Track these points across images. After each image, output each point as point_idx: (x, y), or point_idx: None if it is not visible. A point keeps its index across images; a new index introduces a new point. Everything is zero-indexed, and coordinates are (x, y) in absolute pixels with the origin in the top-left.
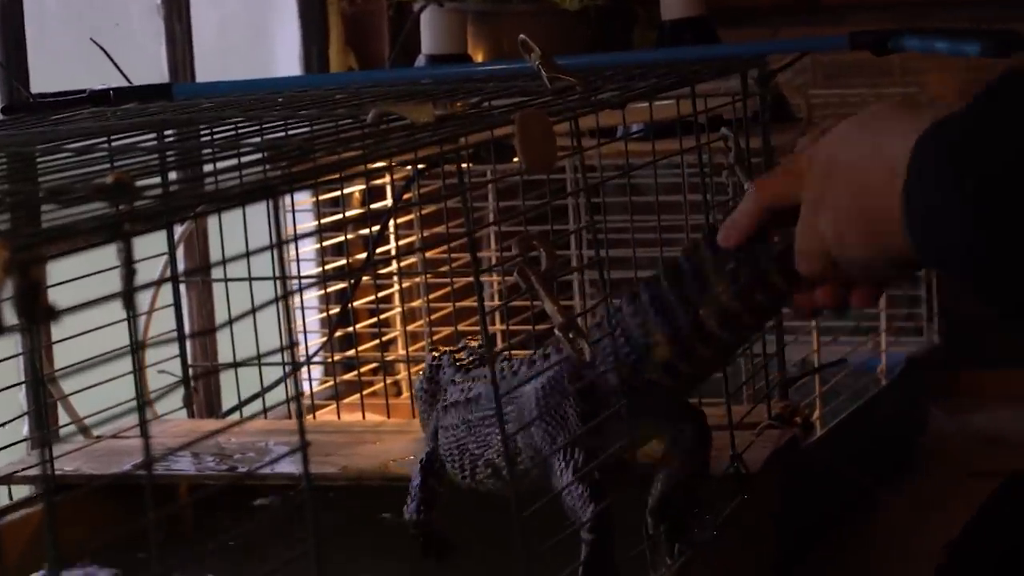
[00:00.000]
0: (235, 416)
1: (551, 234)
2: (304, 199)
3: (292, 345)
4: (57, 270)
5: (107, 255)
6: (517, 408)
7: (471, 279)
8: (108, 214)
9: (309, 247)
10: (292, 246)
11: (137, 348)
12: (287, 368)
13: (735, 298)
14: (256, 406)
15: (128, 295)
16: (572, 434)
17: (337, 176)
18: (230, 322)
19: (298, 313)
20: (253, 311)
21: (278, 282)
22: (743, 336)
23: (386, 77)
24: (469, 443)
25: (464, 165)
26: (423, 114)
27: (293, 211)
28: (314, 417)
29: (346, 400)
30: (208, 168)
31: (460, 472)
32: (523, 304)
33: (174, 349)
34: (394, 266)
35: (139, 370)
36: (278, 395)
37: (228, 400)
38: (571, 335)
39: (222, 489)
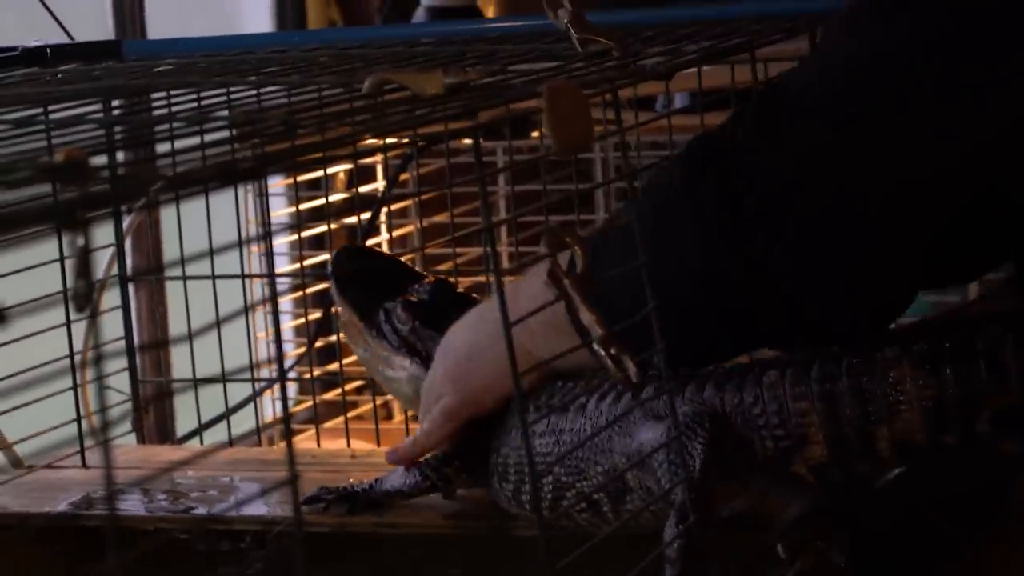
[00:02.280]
0: (194, 443)
1: (577, 226)
2: (278, 180)
3: (252, 361)
4: None
5: (41, 250)
6: (629, 441)
7: (480, 279)
8: (61, 198)
9: (284, 239)
10: (262, 238)
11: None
12: (256, 386)
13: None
14: (218, 431)
15: (86, 296)
16: (695, 482)
17: (342, 154)
18: (189, 332)
19: (270, 319)
20: (217, 320)
21: (247, 281)
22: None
23: (378, 35)
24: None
25: (467, 141)
26: (430, 83)
27: (265, 195)
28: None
29: (327, 424)
30: (165, 147)
31: (519, 494)
32: None
33: (120, 362)
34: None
35: (79, 386)
36: (244, 419)
37: (184, 423)
38: (614, 352)
39: (178, 535)
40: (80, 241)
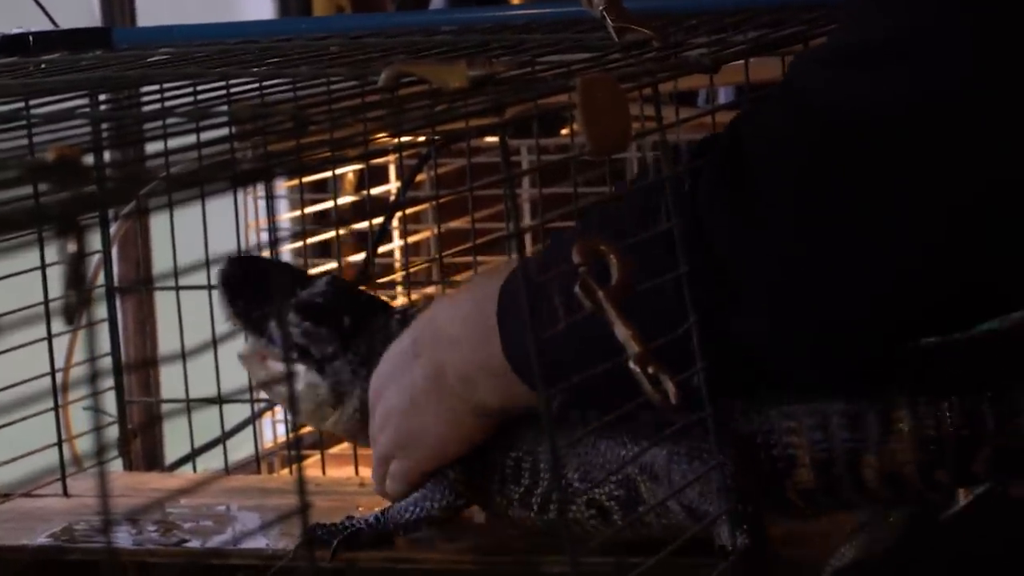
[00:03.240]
0: (186, 470)
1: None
2: (280, 182)
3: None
4: None
5: (17, 259)
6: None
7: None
8: (48, 200)
9: (287, 246)
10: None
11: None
12: (255, 408)
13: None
14: (213, 457)
15: (78, 308)
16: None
17: (356, 154)
18: (182, 349)
19: None
20: (213, 335)
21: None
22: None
23: (392, 23)
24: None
25: (489, 139)
26: (453, 76)
27: (270, 197)
28: (291, 471)
29: (333, 450)
30: (156, 146)
31: (530, 497)
32: None
33: (106, 380)
34: (400, 273)
35: (61, 408)
36: (241, 443)
37: (174, 448)
38: (651, 371)
39: (174, 570)
40: (72, 247)
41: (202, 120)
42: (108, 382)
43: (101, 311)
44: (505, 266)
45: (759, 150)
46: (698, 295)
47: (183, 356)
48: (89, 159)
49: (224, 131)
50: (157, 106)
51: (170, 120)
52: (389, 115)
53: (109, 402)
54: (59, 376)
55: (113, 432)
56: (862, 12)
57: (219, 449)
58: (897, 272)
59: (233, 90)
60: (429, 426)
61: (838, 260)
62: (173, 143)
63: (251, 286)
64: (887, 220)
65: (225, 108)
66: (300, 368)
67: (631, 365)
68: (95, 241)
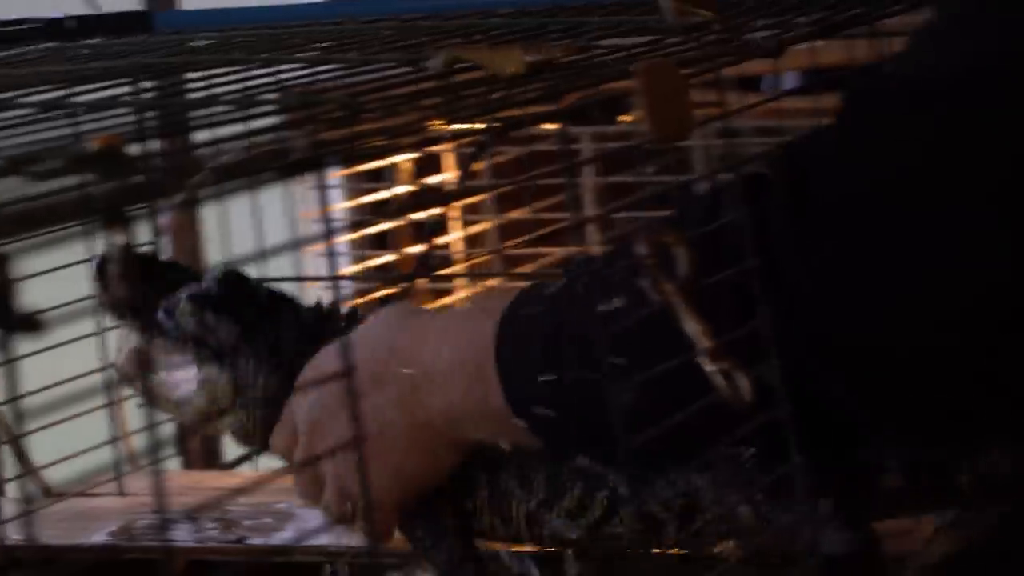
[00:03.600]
0: (246, 468)
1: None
2: (334, 172)
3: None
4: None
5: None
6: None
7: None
8: (94, 191)
9: (341, 238)
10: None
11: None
12: None
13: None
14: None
15: (126, 300)
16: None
17: (410, 142)
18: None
19: None
20: None
21: (302, 286)
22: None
23: (448, 5)
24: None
25: (549, 126)
26: (509, 61)
27: (323, 187)
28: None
29: None
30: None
31: (584, 510)
32: None
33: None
34: (461, 265)
35: (115, 404)
36: None
37: (232, 445)
38: (724, 367)
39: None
40: (120, 239)
41: (250, 108)
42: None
43: None
44: (495, 299)
45: (829, 191)
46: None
47: None
48: (134, 148)
49: (273, 119)
50: (203, 93)
51: (217, 108)
52: (443, 103)
53: None
54: (113, 372)
55: (169, 429)
56: (933, 39)
57: None
58: (975, 302)
59: (282, 76)
60: (400, 460)
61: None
62: (221, 132)
63: (133, 277)
64: (968, 258)
65: (274, 96)
66: (189, 363)
67: (702, 361)
68: (144, 233)
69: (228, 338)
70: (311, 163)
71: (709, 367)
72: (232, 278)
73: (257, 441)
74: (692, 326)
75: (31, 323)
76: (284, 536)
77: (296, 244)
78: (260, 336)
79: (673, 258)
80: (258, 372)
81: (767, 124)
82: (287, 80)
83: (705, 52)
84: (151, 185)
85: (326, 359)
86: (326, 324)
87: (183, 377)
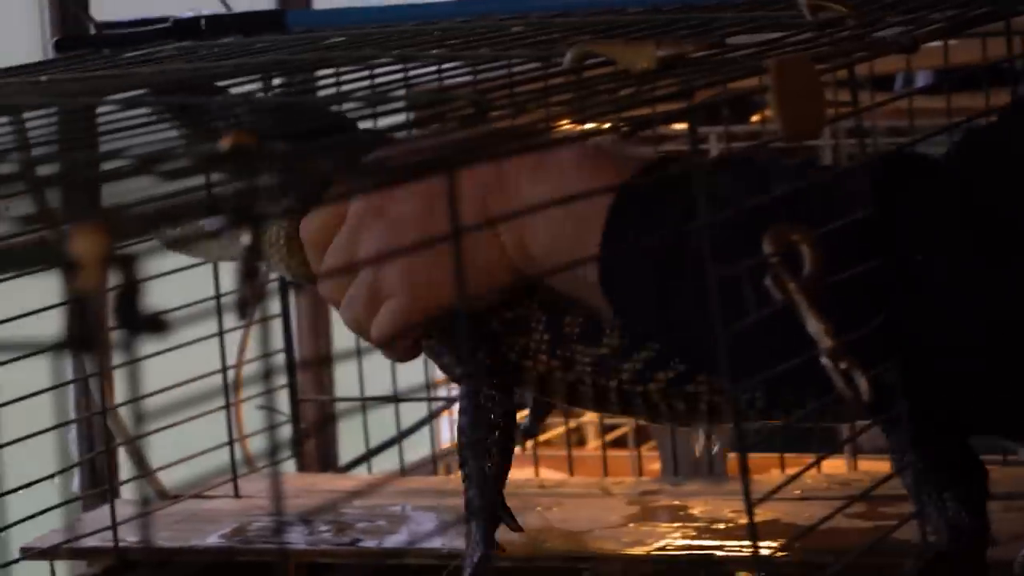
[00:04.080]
0: (362, 471)
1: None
2: None
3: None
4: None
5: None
6: None
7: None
8: (232, 189)
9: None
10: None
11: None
12: (432, 407)
13: None
14: (387, 457)
15: (250, 301)
16: None
17: (541, 141)
18: (357, 346)
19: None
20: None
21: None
22: None
23: (578, 2)
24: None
25: (678, 126)
26: (641, 57)
27: (452, 191)
28: None
29: (517, 451)
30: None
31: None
32: None
33: (279, 378)
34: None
35: (232, 407)
36: (417, 442)
37: (348, 448)
38: (844, 367)
39: (349, 571)
40: (247, 239)
41: (379, 105)
42: (281, 380)
43: (275, 306)
44: (625, 159)
45: (997, 194)
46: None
47: (358, 353)
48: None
49: (402, 117)
50: (333, 91)
51: (349, 105)
52: (574, 99)
53: (282, 401)
54: (231, 374)
55: (286, 432)
56: None
57: (394, 449)
58: None
59: (411, 73)
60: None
61: None
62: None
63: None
64: None
65: (403, 93)
66: None
67: (823, 360)
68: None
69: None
70: (446, 162)
71: (830, 366)
72: None
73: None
74: (814, 325)
75: (157, 324)
76: (398, 539)
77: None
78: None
79: (799, 256)
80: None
81: (898, 124)
82: (416, 77)
83: (839, 48)
84: (280, 185)
85: None
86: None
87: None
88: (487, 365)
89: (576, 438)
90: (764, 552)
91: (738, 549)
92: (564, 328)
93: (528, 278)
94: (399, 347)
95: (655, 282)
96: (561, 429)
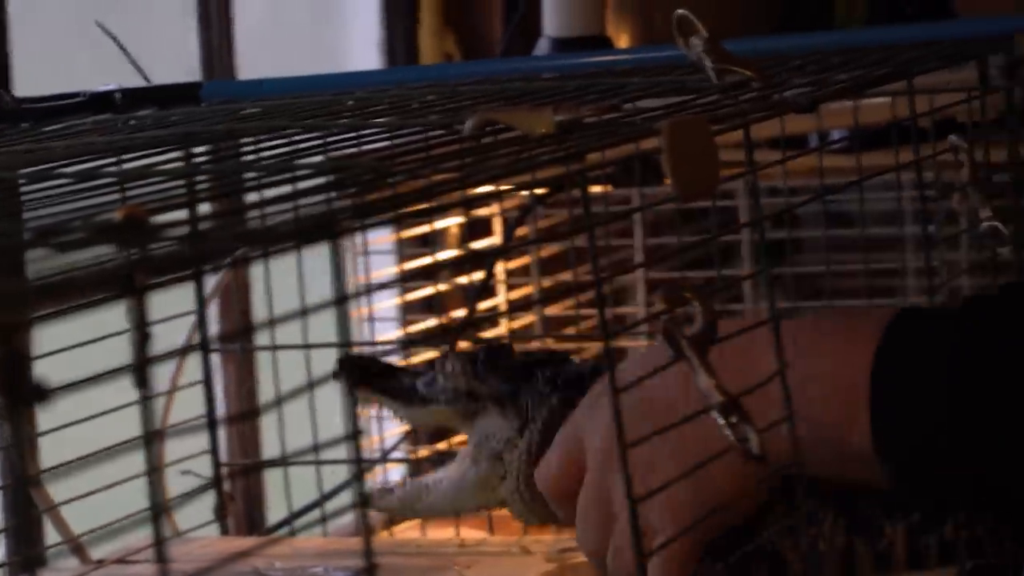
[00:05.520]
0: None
1: (718, 281)
2: (382, 237)
3: (358, 434)
4: (45, 337)
5: (112, 318)
6: None
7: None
8: (116, 261)
9: (389, 302)
10: (366, 301)
11: (152, 440)
12: (360, 467)
13: None
14: (314, 520)
15: (141, 368)
16: None
17: (423, 207)
18: (279, 403)
19: None
20: (311, 385)
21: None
22: None
23: (495, 70)
24: None
25: (597, 188)
26: (540, 122)
27: (366, 254)
28: (390, 534)
29: None
30: (253, 198)
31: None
32: None
33: (202, 442)
34: (504, 327)
35: (155, 470)
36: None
37: (275, 512)
38: (734, 420)
39: None
40: (136, 310)
41: (286, 172)
42: (203, 443)
43: (197, 372)
44: (864, 322)
45: None
46: None
47: (280, 413)
48: (163, 217)
49: (318, 180)
50: (251, 158)
51: (254, 173)
52: (468, 164)
53: (204, 465)
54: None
55: (209, 500)
56: None
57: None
58: None
59: (329, 142)
60: (709, 493)
61: None
62: (269, 194)
63: (372, 373)
64: None
65: (312, 160)
66: (464, 414)
67: (713, 415)
68: (189, 299)
69: (500, 387)
70: (344, 225)
71: (721, 422)
72: (489, 349)
73: (531, 499)
74: (704, 380)
75: (40, 394)
76: None
77: (334, 303)
78: (527, 386)
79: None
80: (536, 407)
81: (810, 183)
82: (331, 145)
83: (737, 109)
84: (170, 256)
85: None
86: (589, 378)
87: (444, 471)
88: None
89: None
90: None
91: None
92: (860, 511)
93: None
94: None
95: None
96: None
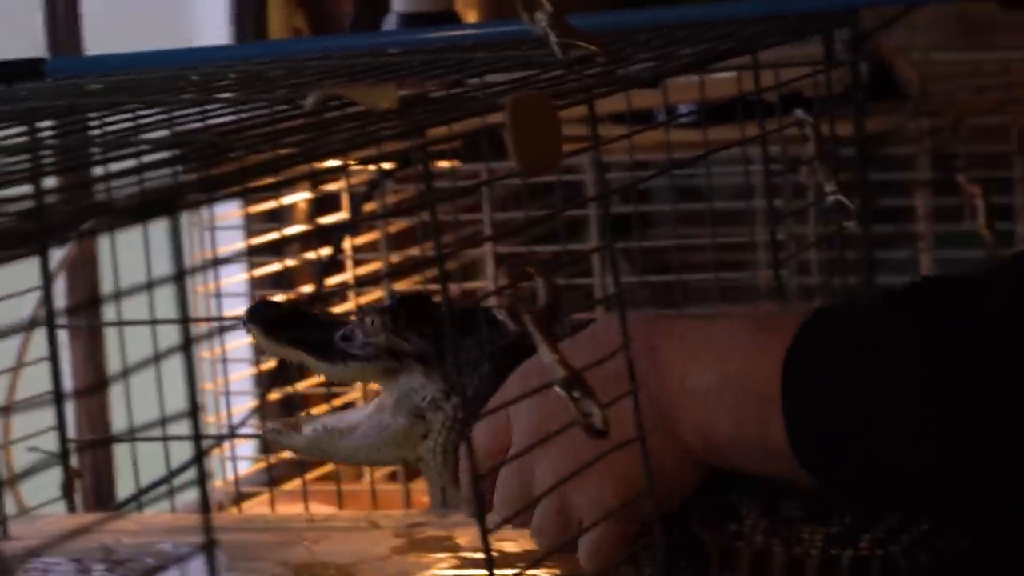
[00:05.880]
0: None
1: (565, 256)
2: (232, 212)
3: (196, 411)
4: None
5: None
6: None
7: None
8: None
9: (237, 277)
10: (212, 276)
11: None
12: (201, 444)
13: None
14: (161, 495)
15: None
16: None
17: (266, 182)
18: (125, 375)
19: (220, 368)
20: (157, 358)
21: (186, 326)
22: None
23: (342, 45)
24: None
25: (446, 164)
26: (383, 97)
27: (213, 229)
28: (239, 510)
29: (288, 486)
30: (99, 172)
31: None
32: None
33: (49, 417)
34: (352, 302)
35: (1, 448)
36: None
37: (125, 488)
38: (576, 395)
39: None
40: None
41: (119, 150)
42: (50, 419)
43: (43, 348)
44: (778, 320)
45: None
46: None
47: (127, 390)
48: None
49: (161, 155)
50: (97, 133)
51: (94, 148)
52: (307, 140)
53: (51, 442)
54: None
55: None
56: None
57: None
58: None
59: (175, 116)
60: (634, 476)
61: None
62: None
63: (284, 322)
64: None
65: (164, 134)
66: (387, 373)
67: (557, 389)
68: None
69: (424, 346)
70: (181, 200)
71: (564, 396)
72: (411, 299)
73: (442, 473)
74: (547, 355)
75: None
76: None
77: (174, 278)
78: (457, 345)
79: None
80: (468, 373)
81: (659, 158)
82: (177, 120)
83: (582, 84)
84: (13, 230)
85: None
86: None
87: (358, 416)
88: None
89: (353, 472)
90: None
91: None
92: (783, 512)
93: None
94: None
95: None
96: (328, 466)
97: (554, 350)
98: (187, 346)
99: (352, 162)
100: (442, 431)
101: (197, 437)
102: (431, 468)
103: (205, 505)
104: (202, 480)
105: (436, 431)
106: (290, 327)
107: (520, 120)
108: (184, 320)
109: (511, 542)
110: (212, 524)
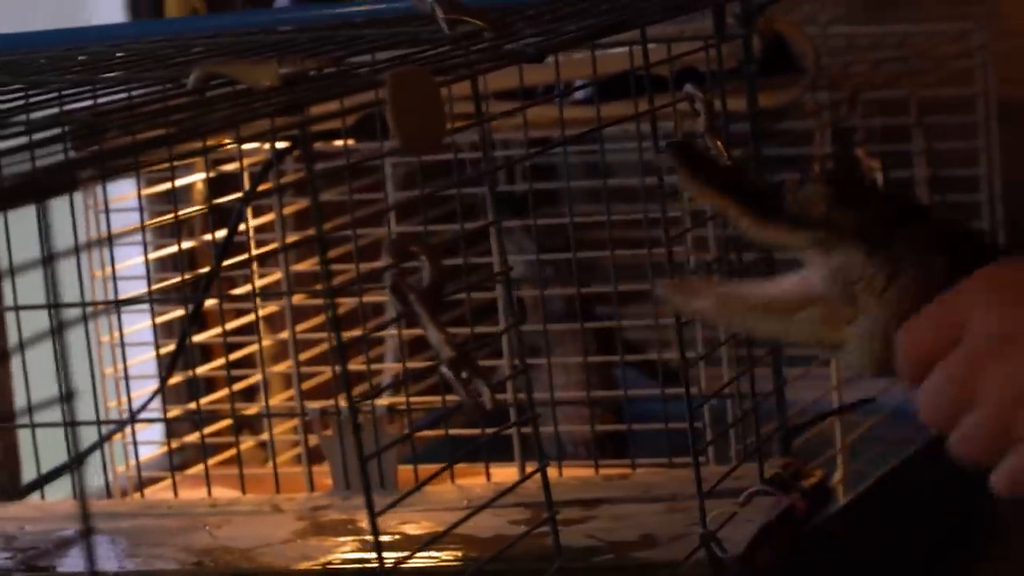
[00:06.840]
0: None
1: (463, 237)
2: (129, 193)
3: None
4: None
5: None
6: None
7: (358, 299)
8: None
9: (135, 260)
10: (107, 257)
11: None
12: (101, 430)
13: None
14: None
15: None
16: None
17: (147, 160)
18: (24, 366)
19: (119, 352)
20: (22, 345)
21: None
22: None
23: (233, 23)
24: None
25: (342, 142)
26: (263, 75)
27: (107, 210)
28: (142, 495)
29: (192, 471)
30: None
31: None
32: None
33: None
34: (253, 283)
35: None
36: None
37: (32, 473)
38: (464, 375)
39: None
40: None
41: (2, 129)
42: None
43: None
44: None
45: None
46: None
47: (25, 374)
48: None
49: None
50: None
51: None
52: (188, 118)
53: None
54: None
55: None
56: None
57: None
58: None
59: (64, 95)
60: None
61: None
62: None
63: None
64: None
65: (16, 119)
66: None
67: (443, 369)
68: None
69: (871, 223)
70: (52, 182)
71: (450, 375)
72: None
73: (882, 350)
74: (434, 335)
75: None
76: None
77: (49, 259)
78: (903, 233)
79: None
80: (921, 261)
81: (551, 134)
82: (66, 99)
83: (467, 59)
84: None
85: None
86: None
87: (768, 288)
88: None
89: (260, 456)
90: (388, 563)
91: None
92: None
93: None
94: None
95: None
96: (233, 450)
97: (440, 329)
98: (59, 331)
99: (227, 140)
100: (883, 315)
101: (71, 424)
102: (852, 352)
103: (83, 491)
104: (79, 463)
105: (871, 316)
106: (717, 174)
107: (401, 96)
108: (55, 305)
109: (413, 524)
110: (88, 511)
